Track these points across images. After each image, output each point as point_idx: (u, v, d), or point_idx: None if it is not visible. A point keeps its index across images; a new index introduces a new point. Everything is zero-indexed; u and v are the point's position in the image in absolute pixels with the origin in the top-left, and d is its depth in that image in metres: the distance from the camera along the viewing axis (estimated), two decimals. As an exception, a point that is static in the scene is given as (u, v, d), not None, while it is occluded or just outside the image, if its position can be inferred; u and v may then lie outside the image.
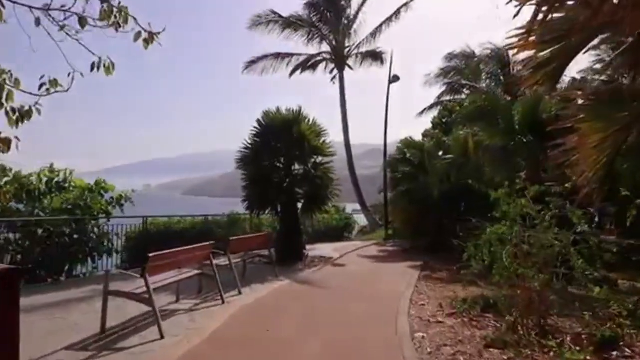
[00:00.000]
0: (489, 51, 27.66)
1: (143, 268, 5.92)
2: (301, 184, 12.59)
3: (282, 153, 12.56)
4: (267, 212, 13.08)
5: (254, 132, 12.64)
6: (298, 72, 27.24)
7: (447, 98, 31.93)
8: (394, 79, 21.55)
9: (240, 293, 8.25)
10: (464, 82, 29.59)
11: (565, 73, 5.80)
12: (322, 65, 27.59)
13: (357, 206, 30.54)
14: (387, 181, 21.82)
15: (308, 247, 16.51)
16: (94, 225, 10.77)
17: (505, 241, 5.98)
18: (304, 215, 12.99)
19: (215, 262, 7.90)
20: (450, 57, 31.89)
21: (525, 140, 11.61)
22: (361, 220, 26.43)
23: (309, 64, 27.47)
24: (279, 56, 26.18)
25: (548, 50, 4.93)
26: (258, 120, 12.63)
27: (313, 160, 12.84)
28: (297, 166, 12.79)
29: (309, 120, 12.80)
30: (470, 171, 12.90)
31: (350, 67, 27.13)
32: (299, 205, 12.91)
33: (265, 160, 12.56)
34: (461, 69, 31.20)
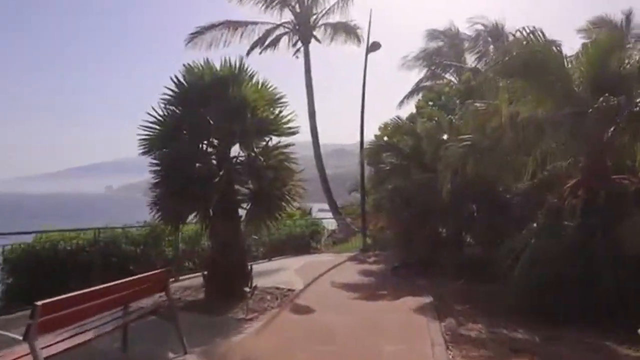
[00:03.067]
0: (481, 27, 23.83)
1: (28, 327, 3.36)
2: (244, 178, 8.04)
3: (212, 130, 7.96)
4: (193, 220, 8.52)
5: (168, 98, 8.01)
6: (257, 50, 22.67)
7: (428, 84, 28.09)
8: (373, 47, 17.17)
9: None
10: (448, 62, 25.74)
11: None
12: (285, 41, 23.04)
13: (325, 206, 26.12)
14: (365, 178, 17.50)
15: (261, 266, 11.99)
16: None
17: None
18: (249, 225, 8.41)
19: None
20: (432, 36, 28.12)
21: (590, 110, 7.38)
22: (329, 222, 21.97)
23: (269, 41, 22.88)
24: (229, 25, 21.40)
25: None
26: (175, 80, 7.98)
27: (264, 142, 8.32)
28: (239, 151, 8.23)
29: (257, 81, 8.27)
30: (497, 159, 8.62)
31: (317, 39, 22.63)
32: (243, 210, 8.35)
33: (185, 142, 7.98)
34: (444, 51, 27.46)
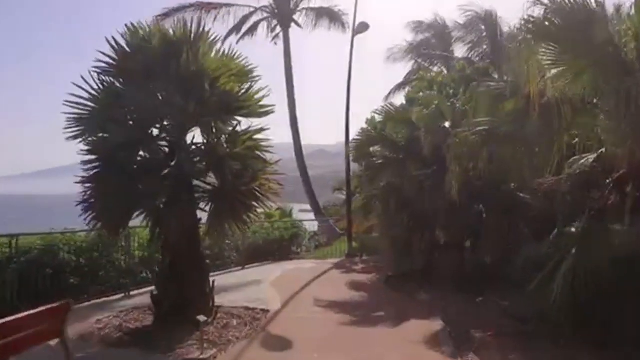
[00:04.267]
0: (472, 14, 22.37)
1: None
2: (202, 170, 6.25)
3: (162, 108, 6.12)
4: (140, 224, 6.72)
5: (104, 67, 6.15)
6: (233, 38, 20.78)
7: (415, 77, 26.58)
8: (361, 27, 15.45)
9: None
10: (437, 53, 24.26)
11: None
12: (263, 27, 21.18)
13: (306, 206, 24.40)
14: (350, 175, 15.81)
15: (232, 276, 10.27)
16: None
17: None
18: (212, 233, 6.59)
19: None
20: (418, 29, 26.64)
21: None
22: (311, 223, 20.18)
23: (246, 29, 21.04)
24: (202, 7, 19.43)
25: None
26: (114, 43, 6.12)
27: (231, 127, 6.56)
28: (197, 137, 6.44)
29: (218, 48, 6.50)
30: (518, 148, 6.98)
31: (298, 24, 20.81)
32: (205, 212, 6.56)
33: (126, 123, 6.17)
34: (432, 43, 26.00)
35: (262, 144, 6.58)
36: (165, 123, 6.20)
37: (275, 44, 20.20)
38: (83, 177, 6.00)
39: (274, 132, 6.78)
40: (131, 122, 6.11)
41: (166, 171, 5.83)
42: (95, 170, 6.02)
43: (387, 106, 11.43)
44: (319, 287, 9.26)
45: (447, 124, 9.52)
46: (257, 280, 9.84)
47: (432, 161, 9.72)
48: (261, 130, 6.56)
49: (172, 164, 5.99)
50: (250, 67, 6.57)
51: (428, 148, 9.70)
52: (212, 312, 6.32)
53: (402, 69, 26.20)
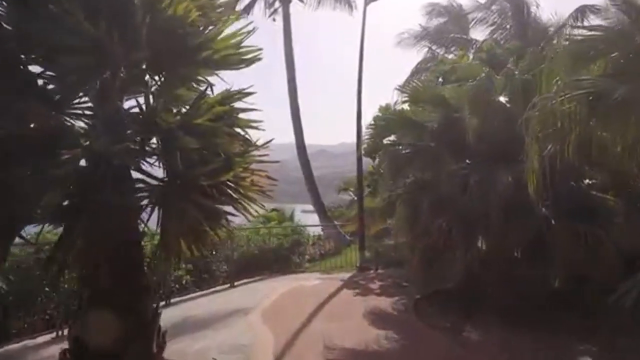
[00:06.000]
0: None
1: None
2: (137, 152, 3.72)
3: (65, 38, 3.55)
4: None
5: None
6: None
7: (429, 65, 24.10)
8: (375, -8, 12.92)
9: None
10: (456, 36, 21.78)
11: None
12: (260, 6, 18.70)
13: (308, 207, 21.94)
14: (364, 171, 13.32)
15: (215, 300, 7.84)
16: None
17: None
18: (159, 254, 4.07)
19: None
20: (432, 12, 24.17)
21: None
22: (315, 225, 17.68)
23: (241, 7, 18.57)
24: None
25: None
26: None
27: (187, 81, 4.06)
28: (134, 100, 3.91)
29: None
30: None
31: (300, -2, 18.29)
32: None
33: None
34: (447, 28, 23.52)
35: (242, 116, 4.11)
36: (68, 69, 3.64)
37: (274, 20, 17.71)
38: None
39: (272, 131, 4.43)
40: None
41: (71, 154, 3.32)
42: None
43: (415, 82, 8.93)
44: (329, 321, 6.76)
45: (501, 99, 7.02)
46: (244, 308, 7.37)
47: (480, 150, 7.25)
48: (242, 93, 4.07)
49: (86, 143, 3.50)
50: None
51: (473, 133, 7.22)
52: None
53: (413, 59, 23.66)
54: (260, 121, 4.22)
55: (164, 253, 4.00)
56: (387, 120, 9.26)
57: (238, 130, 4.15)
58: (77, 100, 3.63)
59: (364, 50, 12.81)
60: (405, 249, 9.35)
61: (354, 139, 12.68)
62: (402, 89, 9.10)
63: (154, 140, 3.80)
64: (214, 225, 3.79)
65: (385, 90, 25.18)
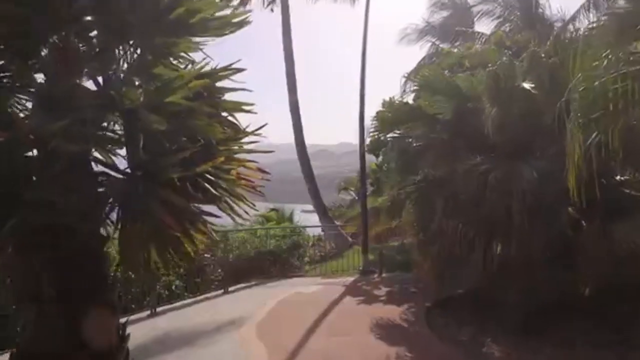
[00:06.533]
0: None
1: None
2: (94, 138, 2.93)
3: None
4: None
5: None
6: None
7: (434, 60, 23.33)
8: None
9: None
10: (459, 29, 21.00)
11: None
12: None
13: (308, 206, 21.09)
14: (366, 169, 12.55)
15: (207, 309, 7.14)
16: None
17: None
18: (125, 263, 3.29)
19: None
20: (435, 4, 23.42)
21: None
22: (314, 224, 16.87)
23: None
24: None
25: None
26: None
27: (156, 48, 3.25)
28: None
29: None
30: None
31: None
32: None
33: None
34: (451, 23, 22.74)
35: (228, 97, 3.32)
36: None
37: (272, 10, 16.89)
38: None
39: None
40: None
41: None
42: None
43: (425, 70, 8.15)
44: (331, 335, 5.99)
45: (524, 85, 6.24)
46: (237, 319, 6.61)
47: (500, 142, 6.48)
48: (229, 69, 3.28)
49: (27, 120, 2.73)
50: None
51: (493, 123, 6.45)
52: None
53: (416, 56, 22.97)
54: (252, 104, 3.44)
55: (124, 265, 3.21)
56: (394, 111, 8.47)
57: (224, 114, 3.38)
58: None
59: (367, 40, 12.06)
60: (414, 252, 8.60)
61: (354, 138, 11.99)
62: (410, 77, 8.30)
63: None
64: (189, 229, 3.00)
65: (385, 89, 24.39)
